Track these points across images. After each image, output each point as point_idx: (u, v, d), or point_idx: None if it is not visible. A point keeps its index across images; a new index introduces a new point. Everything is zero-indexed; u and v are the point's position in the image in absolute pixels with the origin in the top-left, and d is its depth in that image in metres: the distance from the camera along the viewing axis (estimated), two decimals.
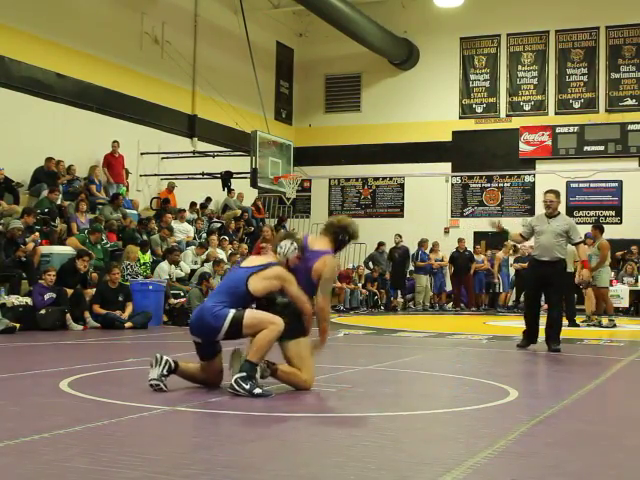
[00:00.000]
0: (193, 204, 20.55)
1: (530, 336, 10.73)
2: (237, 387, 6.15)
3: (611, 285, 17.95)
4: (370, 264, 23.21)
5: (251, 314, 6.35)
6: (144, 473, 3.81)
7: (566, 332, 14.35)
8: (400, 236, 23.30)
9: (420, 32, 26.20)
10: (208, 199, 21.47)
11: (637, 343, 13.36)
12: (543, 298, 11.12)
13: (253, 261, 6.85)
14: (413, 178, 26.01)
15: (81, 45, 18.49)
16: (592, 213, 24.60)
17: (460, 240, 23.56)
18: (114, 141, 18.79)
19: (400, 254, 23.21)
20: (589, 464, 4.35)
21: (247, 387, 6.13)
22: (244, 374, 6.18)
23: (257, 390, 6.14)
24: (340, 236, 6.92)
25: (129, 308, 13.72)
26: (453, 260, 23.41)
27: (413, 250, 23.42)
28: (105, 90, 19.28)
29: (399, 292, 23.42)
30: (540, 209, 26.01)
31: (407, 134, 26.04)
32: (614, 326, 15.57)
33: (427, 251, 23.26)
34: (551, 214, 10.62)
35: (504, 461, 4.28)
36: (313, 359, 6.66)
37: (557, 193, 10.94)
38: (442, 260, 23.54)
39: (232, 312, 6.27)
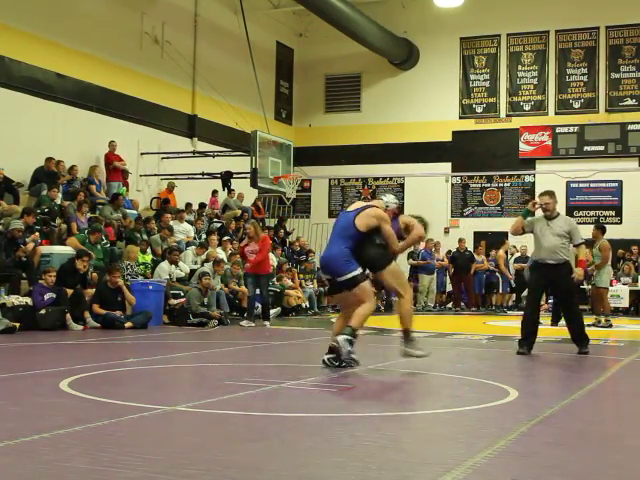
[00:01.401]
0: (189, 205, 20.46)
1: (527, 340, 10.58)
2: (342, 344, 7.70)
3: (611, 285, 17.96)
4: None
5: (364, 285, 7.96)
6: (144, 473, 3.81)
7: (566, 332, 14.37)
8: None
9: (420, 32, 26.21)
10: (202, 205, 21.35)
11: (637, 343, 13.36)
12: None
13: (357, 204, 8.44)
14: (413, 178, 26.02)
15: (81, 45, 18.49)
16: (592, 213, 24.60)
17: (460, 240, 23.58)
18: (111, 141, 18.77)
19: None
20: (589, 464, 4.35)
21: (349, 348, 7.74)
22: (348, 337, 7.75)
23: (353, 355, 7.85)
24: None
25: (130, 300, 13.79)
26: (453, 260, 23.42)
27: (413, 249, 23.39)
28: (105, 90, 19.28)
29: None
30: (540, 209, 26.10)
31: (407, 134, 26.04)
32: (610, 326, 15.58)
33: (430, 250, 23.24)
34: (550, 216, 10.51)
35: (504, 461, 4.28)
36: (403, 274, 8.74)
37: (551, 194, 10.70)
38: (442, 260, 23.55)
39: (357, 272, 7.90)
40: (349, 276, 7.89)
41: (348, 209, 8.41)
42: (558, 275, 10.23)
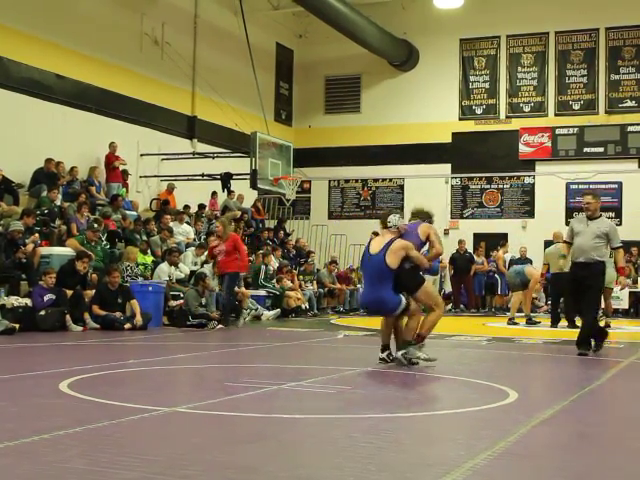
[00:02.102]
0: (187, 207, 20.42)
1: (585, 341, 10.45)
2: (411, 354, 8.45)
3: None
4: None
5: (425, 288, 8.64)
6: (142, 474, 3.81)
7: (566, 333, 14.38)
8: (377, 234, 22.85)
9: (420, 33, 26.19)
10: (201, 206, 21.32)
11: (637, 344, 13.37)
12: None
13: (378, 245, 8.72)
14: (413, 179, 26.03)
15: (80, 46, 18.47)
16: None
17: (460, 241, 23.59)
18: (111, 142, 18.77)
19: None
20: (589, 465, 4.35)
21: (419, 354, 8.50)
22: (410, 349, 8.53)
23: (425, 355, 8.56)
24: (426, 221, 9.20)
25: (136, 307, 13.62)
26: (453, 261, 23.42)
27: None
28: (104, 91, 19.27)
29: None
30: (540, 210, 26.09)
31: (407, 135, 26.03)
32: (608, 326, 15.60)
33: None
34: (591, 216, 10.48)
35: (504, 462, 4.28)
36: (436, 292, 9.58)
37: (595, 195, 10.75)
38: (441, 262, 23.54)
39: (404, 301, 8.47)
40: (400, 309, 8.53)
41: (372, 250, 8.75)
42: (589, 274, 10.22)
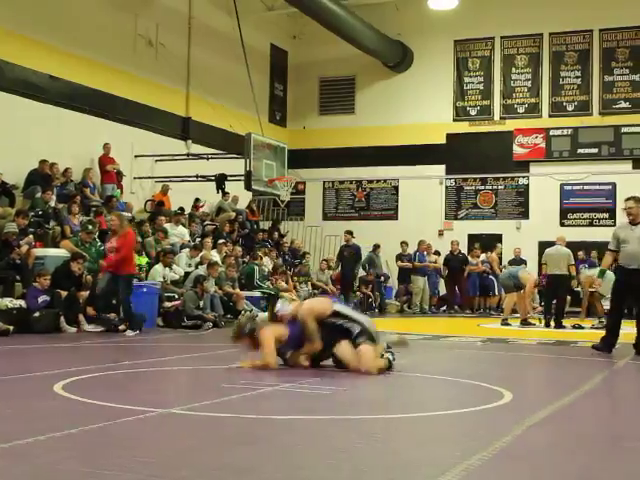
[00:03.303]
0: (181, 209, 20.34)
1: (609, 342, 10.52)
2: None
3: None
4: (367, 266, 23.10)
5: None
6: (138, 476, 3.80)
7: (560, 334, 14.41)
8: (351, 232, 22.89)
9: (414, 34, 26.20)
10: (197, 199, 21.33)
11: (630, 345, 13.36)
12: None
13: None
14: (407, 180, 26.04)
15: (74, 47, 18.44)
16: (586, 215, 24.62)
17: (453, 242, 23.64)
18: (105, 143, 18.75)
19: (350, 253, 22.13)
20: (585, 466, 4.35)
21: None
22: None
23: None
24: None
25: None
26: (447, 262, 23.44)
27: (402, 251, 23.46)
28: (98, 92, 19.23)
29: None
30: (534, 211, 26.10)
31: (401, 136, 26.04)
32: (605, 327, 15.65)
33: (424, 253, 23.30)
34: (633, 221, 10.38)
35: (498, 463, 4.28)
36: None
37: (637, 199, 10.51)
38: (435, 262, 23.59)
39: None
40: None
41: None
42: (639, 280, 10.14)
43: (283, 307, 8.30)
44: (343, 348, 7.90)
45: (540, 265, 18.36)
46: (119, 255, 12.66)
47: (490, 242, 23.96)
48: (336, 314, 8.08)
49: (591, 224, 24.42)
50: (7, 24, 16.79)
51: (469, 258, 23.57)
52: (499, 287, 23.11)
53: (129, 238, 13.01)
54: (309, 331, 7.94)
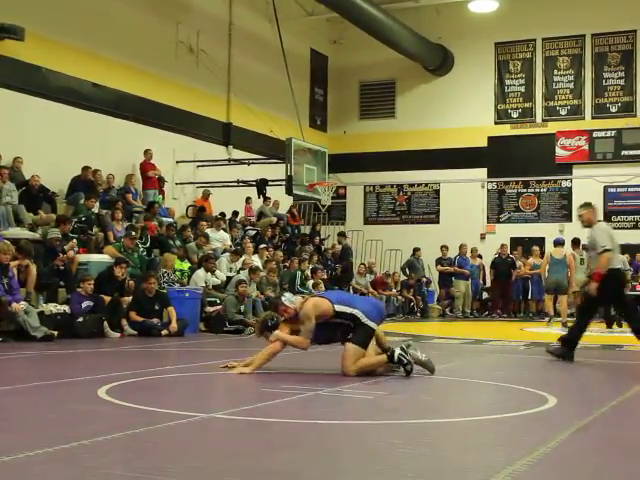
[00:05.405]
0: (222, 214, 20.42)
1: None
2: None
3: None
4: (407, 270, 23.08)
5: None
6: None
7: (605, 339, 14.24)
8: (344, 234, 22.62)
9: (455, 38, 26.12)
10: (235, 212, 21.36)
11: None
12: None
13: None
14: (448, 184, 25.90)
15: (117, 55, 18.64)
16: (631, 218, 24.34)
17: (502, 246, 23.41)
18: (147, 150, 18.90)
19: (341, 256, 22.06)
20: (629, 473, 4.29)
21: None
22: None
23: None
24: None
25: (172, 314, 13.63)
26: (495, 266, 23.19)
27: (442, 255, 23.32)
28: (141, 99, 19.42)
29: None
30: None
31: (442, 140, 25.95)
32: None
33: (466, 256, 23.16)
34: None
35: (543, 469, 4.24)
36: None
37: None
38: (479, 266, 23.45)
39: None
40: None
41: None
42: None
43: (289, 300, 8.20)
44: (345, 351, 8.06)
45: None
46: None
47: (530, 245, 23.64)
48: (337, 314, 8.08)
49: (635, 226, 24.13)
50: (51, 34, 16.99)
51: (516, 262, 23.25)
52: (538, 291, 22.66)
53: None
54: (305, 328, 8.03)
